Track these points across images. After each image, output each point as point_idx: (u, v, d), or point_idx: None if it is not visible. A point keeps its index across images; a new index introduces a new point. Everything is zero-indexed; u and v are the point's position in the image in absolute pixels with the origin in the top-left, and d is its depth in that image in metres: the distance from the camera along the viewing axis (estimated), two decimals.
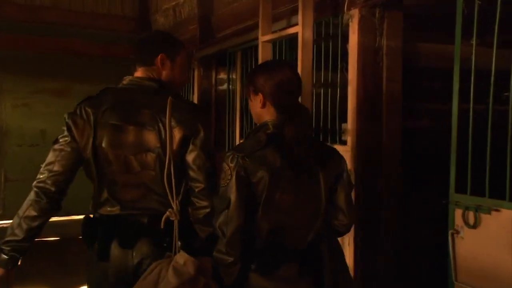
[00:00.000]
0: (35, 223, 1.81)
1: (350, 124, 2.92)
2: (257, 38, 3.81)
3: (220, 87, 5.32)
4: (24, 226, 1.80)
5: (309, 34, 2.86)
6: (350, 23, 2.90)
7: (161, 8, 6.63)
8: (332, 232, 1.90)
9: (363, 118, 2.88)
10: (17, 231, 1.81)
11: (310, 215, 1.79)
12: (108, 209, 1.85)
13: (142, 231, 1.82)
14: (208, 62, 5.23)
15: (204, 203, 1.83)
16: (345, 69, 3.00)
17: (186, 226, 1.84)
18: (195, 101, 5.21)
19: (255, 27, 4.00)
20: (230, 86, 4.76)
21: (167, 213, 1.80)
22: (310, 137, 1.88)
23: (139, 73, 1.94)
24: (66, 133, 1.84)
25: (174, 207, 1.80)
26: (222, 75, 5.33)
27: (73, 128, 1.83)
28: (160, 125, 1.81)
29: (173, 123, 1.81)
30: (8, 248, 1.80)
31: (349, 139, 2.92)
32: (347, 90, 2.98)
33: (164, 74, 1.93)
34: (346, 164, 1.90)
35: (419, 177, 3.05)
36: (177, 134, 1.81)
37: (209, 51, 4.97)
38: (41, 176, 1.83)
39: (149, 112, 1.83)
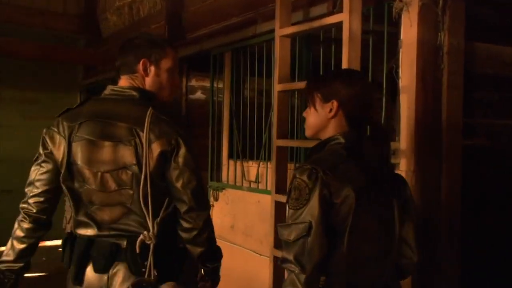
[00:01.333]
0: (24, 245, 1.81)
1: (404, 143, 2.28)
2: (256, 35, 3.14)
3: (192, 96, 4.54)
4: (15, 246, 1.81)
5: (357, 24, 2.20)
6: (405, 13, 2.27)
7: (113, 5, 5.74)
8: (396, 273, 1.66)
9: (422, 136, 2.25)
10: (9, 252, 1.82)
11: (385, 249, 1.57)
12: (84, 229, 1.76)
13: (119, 254, 1.71)
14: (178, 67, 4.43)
15: (190, 225, 1.75)
16: (394, 72, 2.35)
17: (167, 249, 1.75)
18: None
19: (246, 24, 3.33)
20: (216, 95, 3.97)
21: (141, 236, 1.68)
22: (387, 158, 1.64)
23: (122, 82, 1.80)
24: (41, 150, 1.79)
25: (151, 229, 1.68)
26: (194, 82, 4.56)
27: (49, 144, 1.76)
28: (137, 139, 1.68)
29: (151, 137, 1.67)
30: (3, 268, 1.80)
31: (403, 162, 2.28)
32: (396, 99, 2.35)
33: (148, 81, 1.79)
34: (410, 190, 1.69)
35: (478, 203, 2.46)
36: (155, 150, 1.67)
37: (181, 54, 4.18)
38: (25, 197, 1.81)
39: (126, 126, 1.69)
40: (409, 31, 2.26)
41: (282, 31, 2.55)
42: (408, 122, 2.26)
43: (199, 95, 4.56)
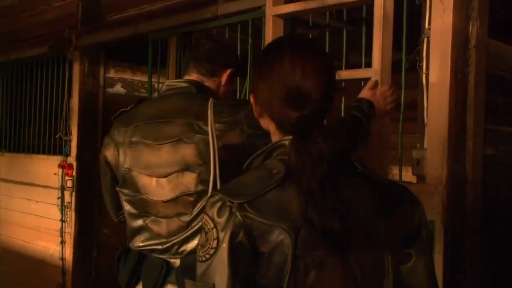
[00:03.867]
0: None
1: (432, 150, 1.90)
2: (218, 17, 2.60)
3: (110, 90, 3.81)
4: None
5: (390, 4, 1.77)
6: None
7: None
8: None
9: (453, 143, 1.89)
10: None
11: None
12: (137, 243, 1.59)
13: (170, 275, 1.51)
14: (95, 54, 3.69)
15: None
16: (417, 65, 1.97)
17: None
18: (75, 108, 3.62)
19: (201, 3, 2.77)
20: (154, 90, 3.30)
21: None
22: (350, 171, 1.07)
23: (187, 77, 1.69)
24: (102, 158, 1.69)
25: None
26: (113, 74, 3.83)
27: (105, 150, 1.67)
28: (200, 135, 1.49)
29: (219, 130, 1.48)
30: None
31: (429, 173, 1.90)
32: (418, 98, 1.98)
33: (223, 90, 1.70)
34: (424, 213, 1.13)
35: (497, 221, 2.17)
36: (227, 143, 1.47)
37: (98, 39, 3.46)
38: None
39: (185, 121, 1.52)
40: (440, 18, 1.89)
41: (277, 9, 2.04)
42: (438, 126, 1.89)
43: (118, 88, 3.84)
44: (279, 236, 0.93)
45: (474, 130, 1.99)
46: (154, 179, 1.54)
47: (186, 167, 1.50)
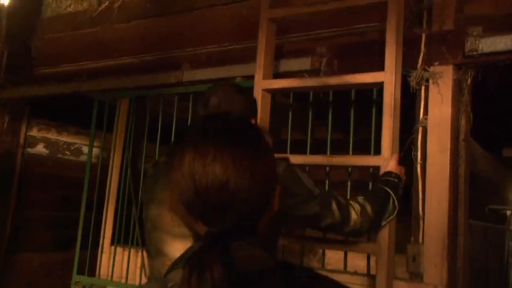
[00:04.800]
0: None
1: (429, 246, 1.78)
2: (182, 83, 2.40)
3: (31, 150, 3.35)
4: None
5: (399, 89, 1.69)
6: (433, 86, 1.86)
7: None
8: None
9: (451, 238, 1.80)
10: None
11: None
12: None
13: None
14: (17, 110, 3.25)
15: None
16: (413, 154, 1.88)
17: None
18: None
19: (160, 67, 2.56)
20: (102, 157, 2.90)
21: None
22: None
23: None
24: None
25: None
26: (36, 132, 3.39)
27: None
28: None
29: None
30: None
31: (428, 271, 1.77)
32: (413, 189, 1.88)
33: None
34: None
35: None
36: None
37: (33, 92, 3.07)
38: None
39: None
40: (439, 109, 1.84)
41: (269, 83, 1.88)
42: (437, 219, 1.78)
43: (40, 149, 3.39)
44: None
45: (464, 225, 1.92)
46: None
47: None
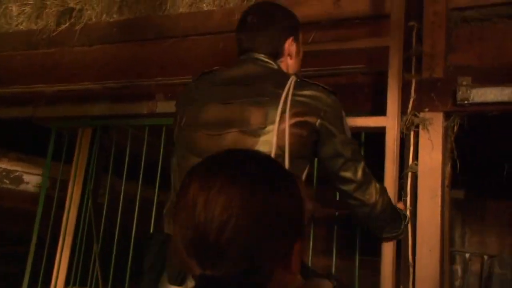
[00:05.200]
0: None
1: None
2: (151, 115, 2.28)
3: None
4: None
5: (399, 133, 1.67)
6: (423, 132, 1.86)
7: None
8: None
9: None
10: None
11: None
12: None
13: None
14: None
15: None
16: (403, 200, 1.86)
17: None
18: None
19: (128, 97, 2.42)
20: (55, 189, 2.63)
21: None
22: None
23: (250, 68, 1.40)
24: None
25: None
26: None
27: None
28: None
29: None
30: None
31: None
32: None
33: (293, 65, 1.49)
34: None
35: None
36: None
37: None
38: None
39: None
40: (429, 155, 1.84)
41: None
42: (429, 267, 1.76)
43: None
44: None
45: (449, 273, 1.92)
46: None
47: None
